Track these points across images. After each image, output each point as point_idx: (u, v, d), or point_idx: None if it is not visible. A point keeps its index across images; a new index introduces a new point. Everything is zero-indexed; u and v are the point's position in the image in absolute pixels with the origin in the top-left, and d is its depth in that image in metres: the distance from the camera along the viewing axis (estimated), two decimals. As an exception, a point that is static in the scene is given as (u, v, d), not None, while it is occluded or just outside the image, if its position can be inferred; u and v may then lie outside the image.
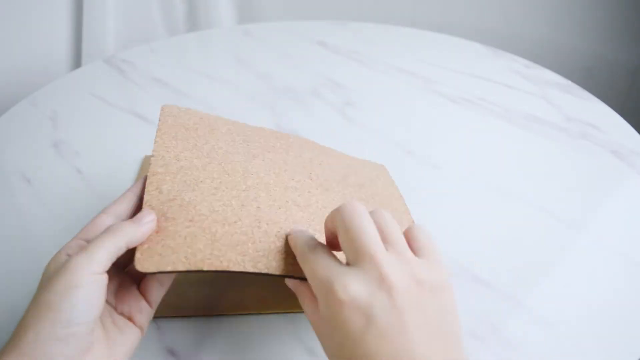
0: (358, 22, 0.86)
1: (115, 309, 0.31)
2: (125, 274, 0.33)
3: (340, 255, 0.30)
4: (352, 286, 0.26)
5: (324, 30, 0.83)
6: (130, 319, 0.31)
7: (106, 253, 0.28)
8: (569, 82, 0.68)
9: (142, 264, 0.28)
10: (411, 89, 0.68)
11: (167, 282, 0.33)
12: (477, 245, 0.45)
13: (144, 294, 0.32)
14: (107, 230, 0.29)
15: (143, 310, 0.32)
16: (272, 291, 0.40)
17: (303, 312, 0.36)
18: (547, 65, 0.73)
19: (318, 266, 0.28)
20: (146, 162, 0.43)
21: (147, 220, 0.30)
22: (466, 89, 0.67)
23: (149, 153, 0.51)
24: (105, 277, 0.28)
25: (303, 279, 0.30)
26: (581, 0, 1.01)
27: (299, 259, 0.30)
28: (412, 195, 0.50)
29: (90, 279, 0.27)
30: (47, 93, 0.65)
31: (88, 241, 0.30)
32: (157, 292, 0.32)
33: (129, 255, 0.30)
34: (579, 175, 0.53)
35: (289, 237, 0.32)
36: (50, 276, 0.28)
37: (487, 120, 0.61)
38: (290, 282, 0.32)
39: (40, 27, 0.88)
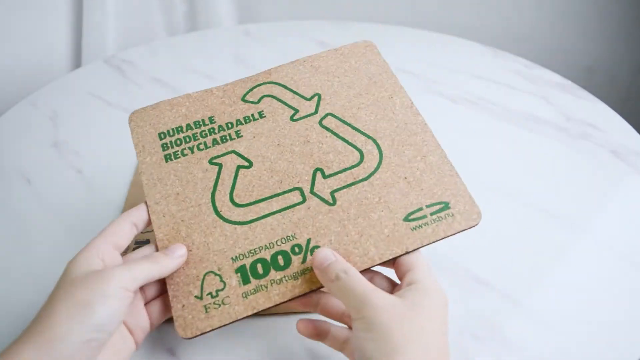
0: (358, 22, 0.86)
1: (124, 321, 0.32)
2: (138, 290, 0.34)
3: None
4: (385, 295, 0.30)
5: (324, 30, 0.83)
6: (131, 332, 0.32)
7: (143, 277, 0.31)
8: (569, 82, 0.68)
9: (184, 331, 0.31)
10: (411, 88, 0.67)
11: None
12: (476, 245, 0.45)
13: (149, 314, 0.34)
14: (149, 257, 0.32)
15: (144, 328, 0.33)
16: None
17: (303, 312, 0.36)
18: (547, 65, 0.73)
19: (357, 283, 0.31)
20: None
21: (179, 254, 0.33)
22: (466, 88, 0.67)
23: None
24: (133, 294, 0.30)
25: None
26: (581, 0, 1.01)
27: (332, 282, 0.31)
28: None
29: (125, 294, 0.30)
30: (47, 93, 0.65)
31: (118, 248, 0.33)
32: (162, 316, 0.34)
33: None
34: (578, 175, 0.53)
35: (316, 261, 0.33)
36: (84, 276, 0.30)
37: (487, 120, 0.61)
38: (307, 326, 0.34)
39: (40, 27, 0.88)
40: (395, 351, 0.28)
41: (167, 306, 0.34)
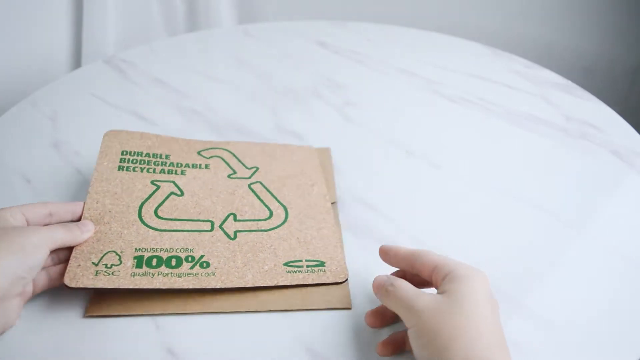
0: (358, 22, 0.86)
1: None
2: None
3: None
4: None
5: (324, 30, 0.83)
6: (33, 282, 0.38)
7: (60, 240, 0.38)
8: (569, 82, 0.68)
9: (70, 281, 0.37)
10: (411, 89, 0.68)
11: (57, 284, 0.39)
12: (476, 245, 0.45)
13: (50, 274, 0.39)
14: (65, 225, 0.40)
15: (43, 283, 0.39)
16: (271, 291, 0.40)
17: (302, 310, 0.39)
18: (547, 65, 0.73)
19: (402, 292, 0.34)
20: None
21: (87, 229, 0.41)
22: (466, 89, 0.67)
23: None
24: (49, 251, 0.37)
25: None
26: (581, 0, 1.01)
27: (386, 297, 0.35)
28: (411, 195, 0.50)
29: (46, 249, 0.37)
30: (47, 93, 0.65)
31: (28, 220, 0.39)
32: (59, 277, 0.39)
33: None
34: (578, 175, 0.53)
35: (374, 284, 0.37)
36: (18, 228, 0.37)
37: (487, 120, 0.61)
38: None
39: (41, 27, 0.88)
40: (445, 349, 0.29)
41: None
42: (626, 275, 0.42)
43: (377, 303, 0.39)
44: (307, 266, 0.42)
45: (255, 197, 0.48)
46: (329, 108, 0.64)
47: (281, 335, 0.38)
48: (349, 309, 0.39)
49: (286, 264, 0.42)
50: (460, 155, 0.56)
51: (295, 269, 0.41)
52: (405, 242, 0.45)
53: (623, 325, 0.39)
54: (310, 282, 0.41)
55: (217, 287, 0.39)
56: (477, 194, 0.51)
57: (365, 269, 0.42)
